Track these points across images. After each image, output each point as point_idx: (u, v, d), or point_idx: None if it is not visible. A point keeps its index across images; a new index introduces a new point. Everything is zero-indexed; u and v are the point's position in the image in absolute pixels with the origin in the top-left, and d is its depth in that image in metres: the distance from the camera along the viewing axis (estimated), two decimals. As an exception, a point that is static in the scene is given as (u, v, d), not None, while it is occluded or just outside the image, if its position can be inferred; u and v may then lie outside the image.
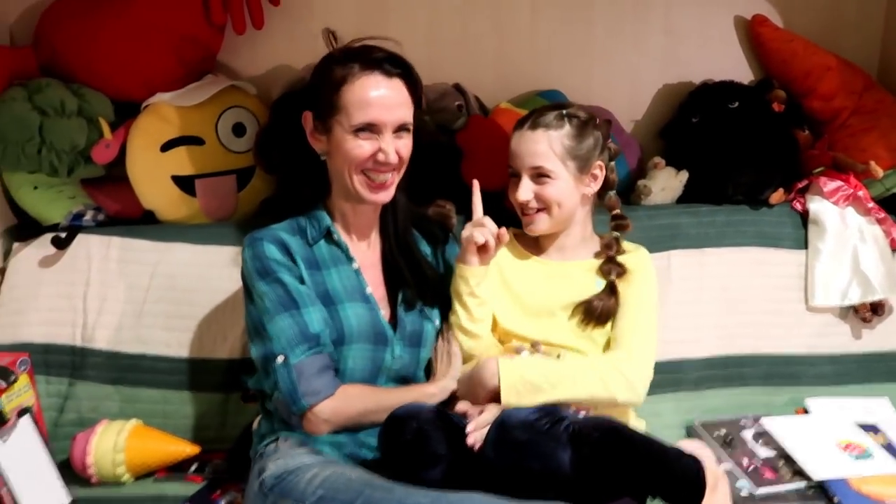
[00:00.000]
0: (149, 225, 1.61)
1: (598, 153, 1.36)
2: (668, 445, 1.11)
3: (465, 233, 1.27)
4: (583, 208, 1.39)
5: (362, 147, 1.20)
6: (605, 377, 1.24)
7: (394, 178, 1.24)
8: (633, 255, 1.39)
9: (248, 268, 1.22)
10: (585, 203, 1.39)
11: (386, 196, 1.25)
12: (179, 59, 1.58)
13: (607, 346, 1.33)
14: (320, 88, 1.22)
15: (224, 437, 1.44)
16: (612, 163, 1.41)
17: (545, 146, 1.31)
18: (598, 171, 1.37)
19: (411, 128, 1.25)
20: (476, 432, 1.11)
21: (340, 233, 1.28)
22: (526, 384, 1.20)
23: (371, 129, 1.20)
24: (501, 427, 1.08)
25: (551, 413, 1.08)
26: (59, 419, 1.46)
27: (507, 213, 1.45)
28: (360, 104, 1.18)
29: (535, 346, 1.31)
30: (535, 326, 1.33)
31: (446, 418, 1.14)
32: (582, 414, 1.19)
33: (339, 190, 1.27)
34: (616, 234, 1.40)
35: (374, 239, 1.33)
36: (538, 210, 1.34)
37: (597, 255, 1.39)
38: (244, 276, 1.24)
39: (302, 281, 1.22)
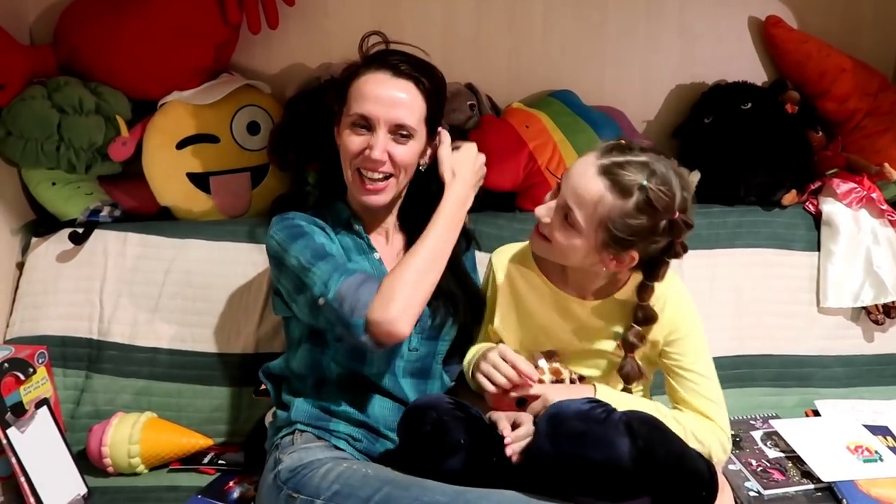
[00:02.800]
0: (164, 221, 1.63)
1: (644, 244, 1.10)
2: (689, 447, 1.10)
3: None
4: (593, 267, 1.15)
5: (353, 141, 1.20)
6: (707, 443, 1.15)
7: (389, 184, 1.22)
8: (670, 300, 1.19)
9: (280, 238, 1.20)
10: (599, 269, 1.15)
11: (377, 200, 1.22)
12: (195, 58, 1.60)
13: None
14: (338, 82, 1.25)
15: (236, 431, 1.46)
16: (669, 260, 1.14)
17: (592, 199, 1.08)
18: (628, 259, 1.12)
19: (415, 135, 1.20)
20: (515, 444, 1.09)
21: (362, 225, 1.29)
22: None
23: (365, 124, 1.19)
24: (555, 419, 1.05)
25: (603, 404, 1.07)
26: (76, 411, 1.48)
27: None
28: (359, 97, 1.19)
29: (550, 355, 1.24)
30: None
31: (464, 408, 1.13)
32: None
33: None
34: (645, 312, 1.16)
35: (393, 234, 1.33)
36: (544, 237, 1.16)
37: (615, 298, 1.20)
38: (274, 250, 1.21)
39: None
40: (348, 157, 1.21)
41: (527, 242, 1.25)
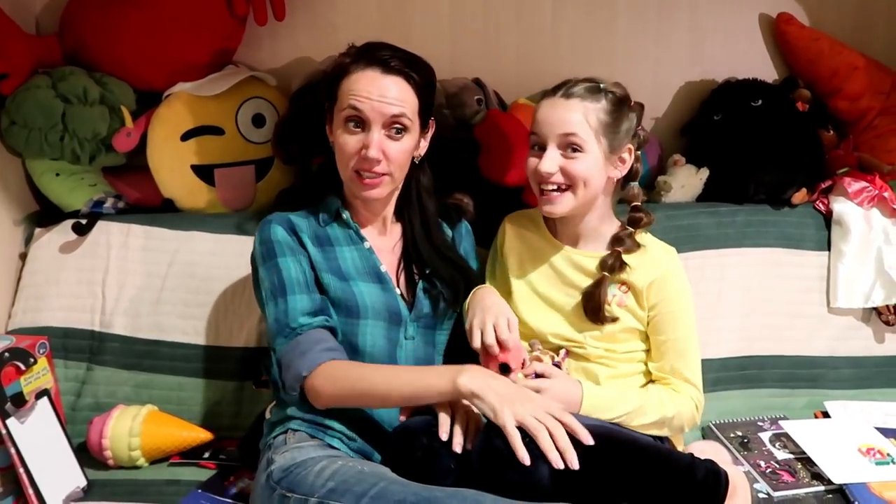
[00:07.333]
0: (168, 213, 1.62)
1: (631, 136, 1.27)
2: (674, 451, 1.09)
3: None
4: (604, 195, 1.29)
5: (349, 142, 1.20)
6: (683, 419, 1.23)
7: (384, 180, 1.22)
8: (662, 258, 1.29)
9: (257, 252, 1.25)
10: (608, 190, 1.29)
11: (375, 193, 1.22)
12: (201, 49, 1.59)
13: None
14: (328, 79, 1.24)
15: (238, 425, 1.45)
16: (640, 152, 1.31)
17: (580, 115, 1.21)
18: (628, 154, 1.27)
19: (410, 129, 1.21)
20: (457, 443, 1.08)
21: (351, 215, 1.29)
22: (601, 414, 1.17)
23: (359, 121, 1.19)
24: (487, 434, 1.06)
25: None
26: (77, 403, 1.47)
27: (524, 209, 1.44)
28: (351, 94, 1.19)
29: (532, 345, 1.26)
30: (552, 321, 1.29)
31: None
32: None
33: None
34: (630, 229, 1.29)
35: (391, 224, 1.33)
36: (562, 189, 1.23)
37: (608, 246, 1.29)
38: (253, 258, 1.27)
39: (309, 261, 1.23)
40: (345, 158, 1.21)
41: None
